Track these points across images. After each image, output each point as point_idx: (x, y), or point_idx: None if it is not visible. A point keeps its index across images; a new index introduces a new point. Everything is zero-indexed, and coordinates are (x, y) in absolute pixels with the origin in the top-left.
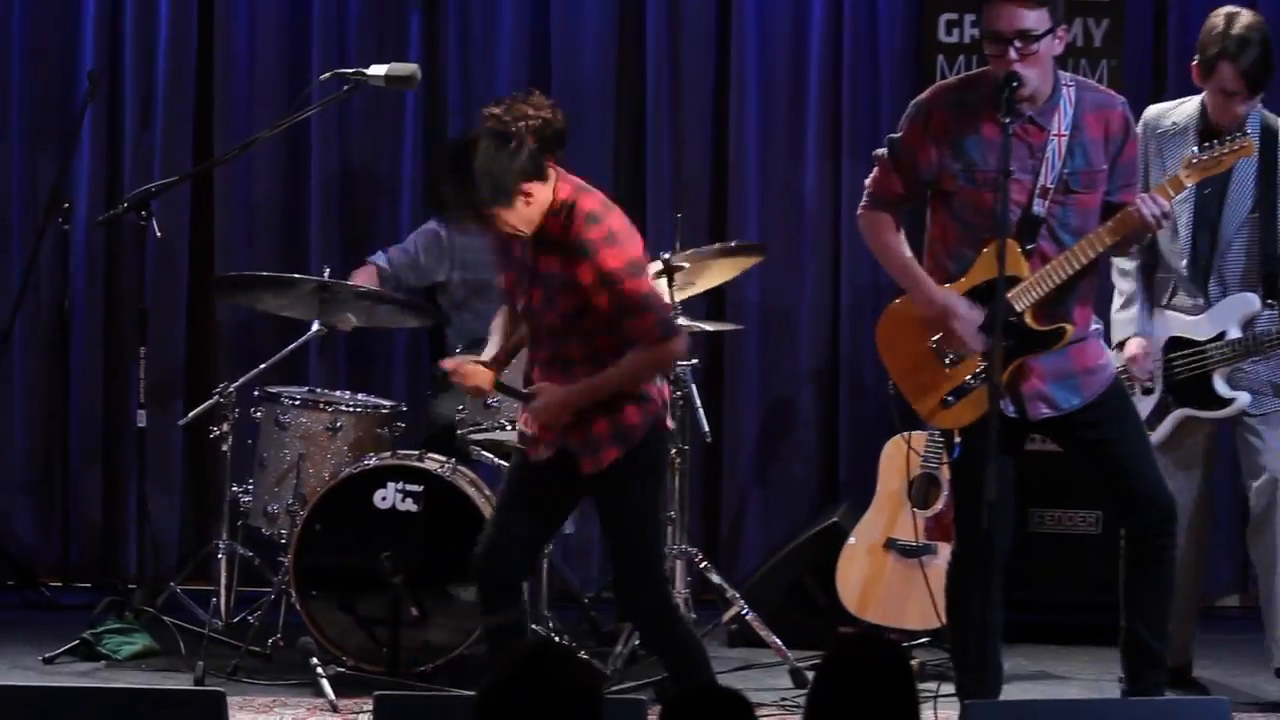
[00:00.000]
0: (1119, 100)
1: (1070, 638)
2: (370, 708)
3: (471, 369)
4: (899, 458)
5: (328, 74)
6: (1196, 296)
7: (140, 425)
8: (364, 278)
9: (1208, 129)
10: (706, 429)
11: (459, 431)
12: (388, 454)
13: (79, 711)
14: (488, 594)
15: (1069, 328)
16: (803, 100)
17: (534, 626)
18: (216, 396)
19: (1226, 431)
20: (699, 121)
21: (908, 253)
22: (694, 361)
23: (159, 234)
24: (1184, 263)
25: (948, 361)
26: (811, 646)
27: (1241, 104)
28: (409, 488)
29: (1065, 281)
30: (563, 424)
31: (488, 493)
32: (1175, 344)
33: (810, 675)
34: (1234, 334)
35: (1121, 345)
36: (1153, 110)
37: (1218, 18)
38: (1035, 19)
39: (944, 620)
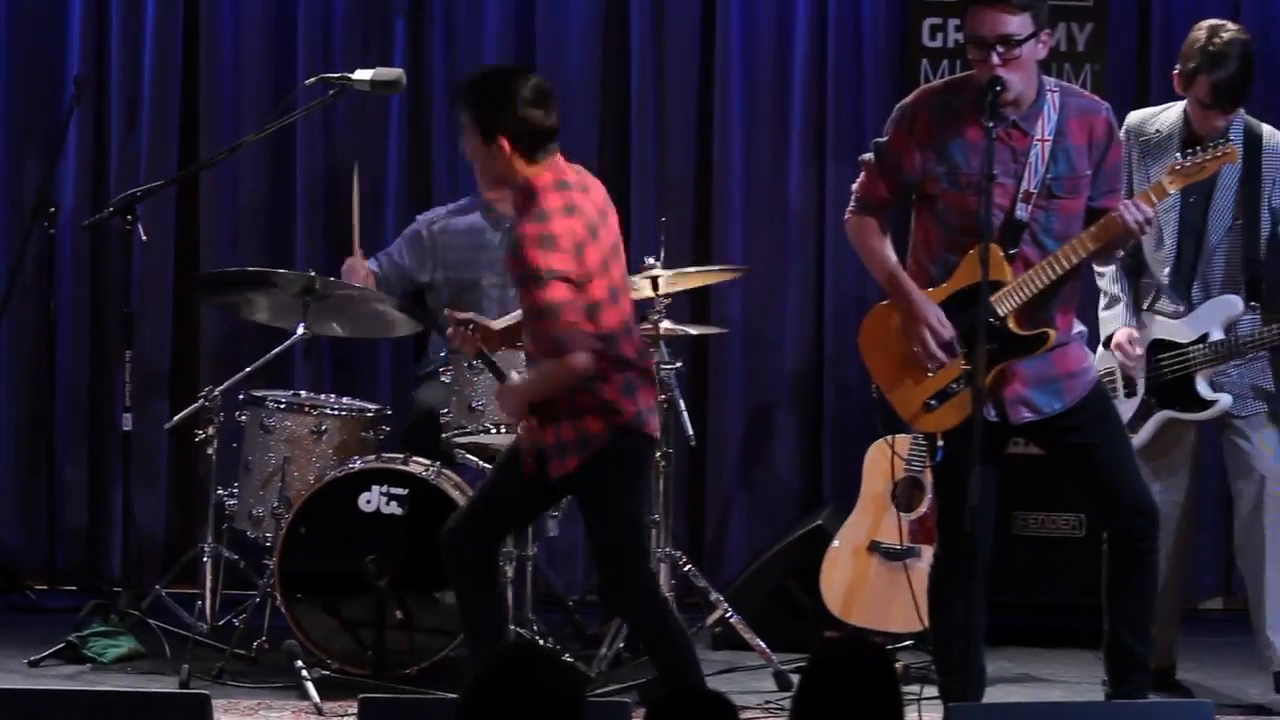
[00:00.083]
0: (1103, 106)
1: (1054, 641)
2: (355, 711)
3: (473, 332)
4: (883, 461)
5: (313, 79)
6: (1179, 303)
7: (126, 428)
8: (359, 277)
9: (1191, 136)
10: (691, 432)
11: (444, 435)
12: (372, 457)
13: (64, 714)
14: (448, 559)
15: (1052, 332)
16: (787, 103)
17: (518, 629)
18: (202, 400)
19: (1209, 434)
20: (683, 124)
21: (893, 257)
22: (678, 365)
23: (144, 238)
24: (1166, 270)
25: (931, 366)
26: (795, 649)
27: (1219, 117)
28: (394, 491)
29: (1048, 286)
30: (531, 423)
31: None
32: (1158, 346)
33: (794, 678)
34: (1216, 336)
35: (1109, 341)
36: (1136, 116)
37: (1200, 30)
38: (1018, 24)
39: (927, 623)
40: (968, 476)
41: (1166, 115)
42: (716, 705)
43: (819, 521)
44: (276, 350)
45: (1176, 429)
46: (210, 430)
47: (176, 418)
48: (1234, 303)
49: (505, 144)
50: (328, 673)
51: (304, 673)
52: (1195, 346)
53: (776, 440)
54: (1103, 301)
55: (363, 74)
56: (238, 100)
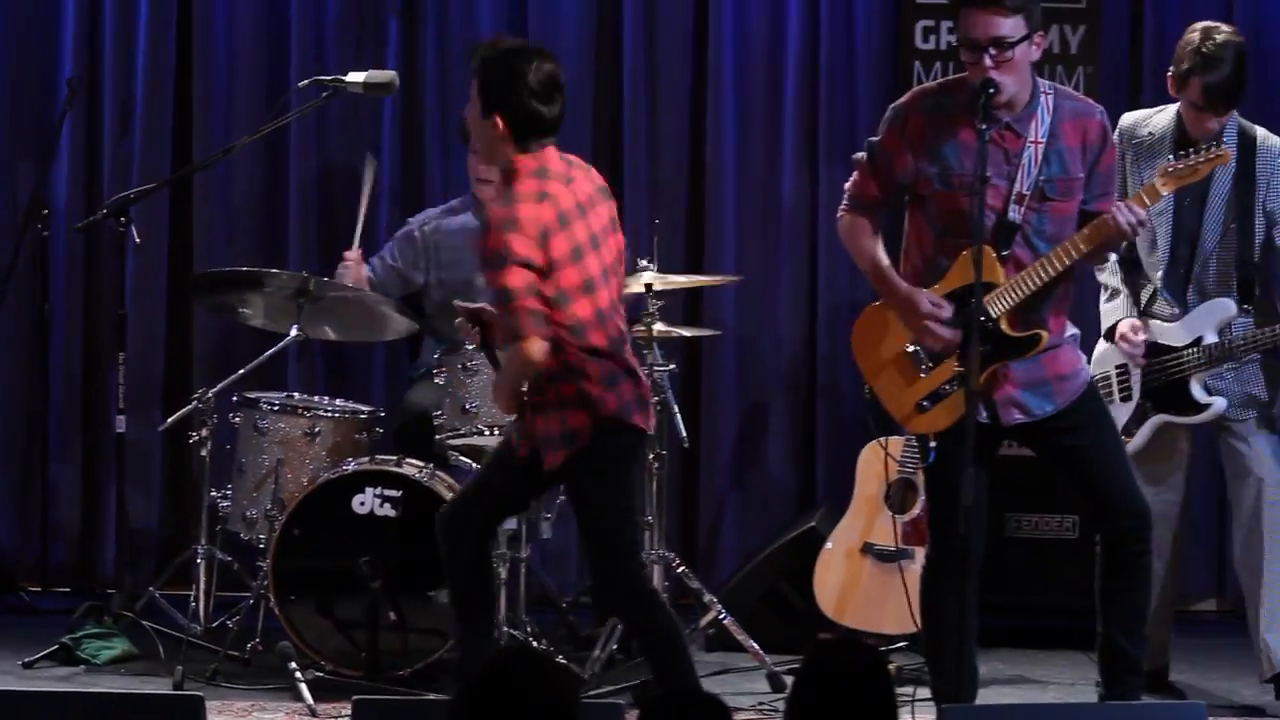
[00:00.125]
0: (1097, 109)
1: (1047, 642)
2: (349, 712)
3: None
4: (876, 463)
5: (306, 81)
6: (1174, 306)
7: (119, 430)
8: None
9: (1184, 138)
10: (684, 434)
11: (437, 437)
12: (366, 459)
13: (58, 716)
14: (442, 542)
15: (1044, 334)
16: (780, 105)
17: (511, 631)
18: (195, 402)
19: (1203, 437)
20: (676, 125)
21: (884, 257)
22: (671, 367)
23: (138, 240)
24: (1160, 274)
25: (924, 367)
26: (789, 651)
27: (1213, 120)
28: (387, 493)
29: (1040, 288)
30: (521, 415)
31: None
32: (1153, 350)
33: (788, 680)
34: (1210, 339)
35: (1111, 332)
36: (1129, 118)
37: (1194, 32)
38: (1011, 26)
39: (919, 625)
40: (959, 478)
41: (1160, 118)
42: (710, 707)
43: (812, 523)
44: (270, 352)
45: (1171, 432)
46: (204, 432)
47: (170, 420)
48: (1227, 305)
49: (500, 123)
50: (321, 674)
51: (297, 674)
52: (1189, 350)
53: (770, 442)
54: (1103, 295)
55: (356, 76)
56: (231, 102)
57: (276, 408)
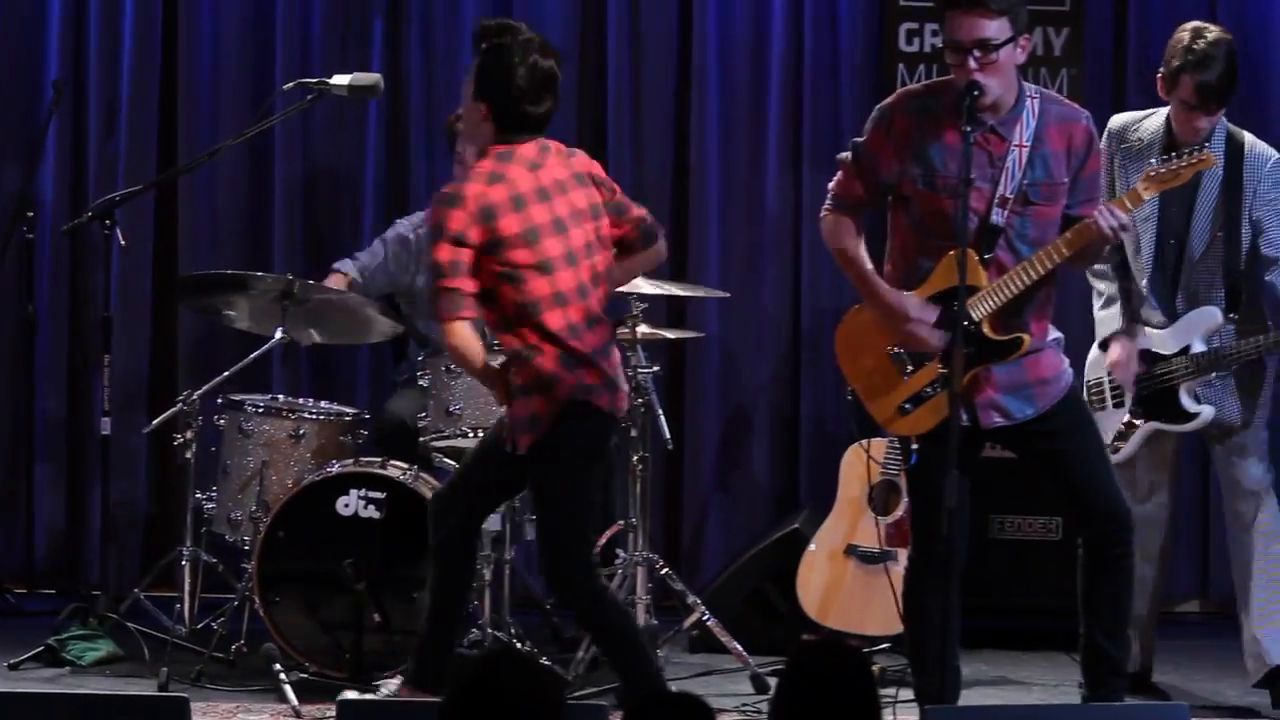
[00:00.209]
0: (1083, 114)
1: (1030, 643)
2: (333, 713)
3: None
4: (859, 465)
5: (291, 84)
6: (1162, 313)
7: (105, 432)
8: (334, 284)
9: (1172, 143)
10: (668, 436)
11: (421, 439)
12: (350, 461)
13: (43, 717)
14: (430, 525)
15: (1026, 338)
16: (763, 108)
17: (495, 633)
18: (180, 404)
19: (1189, 441)
20: (660, 126)
21: (866, 258)
22: (655, 369)
23: (123, 242)
24: (1146, 280)
25: (907, 370)
26: (773, 652)
27: (1204, 118)
28: (371, 494)
29: (1022, 292)
30: (502, 402)
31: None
32: (1143, 357)
33: (771, 681)
34: (1198, 348)
35: (1105, 345)
36: (1118, 120)
37: (1183, 32)
38: (995, 28)
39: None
40: (941, 479)
41: (1149, 122)
42: (693, 708)
43: (795, 525)
44: (255, 354)
45: (1161, 439)
46: (188, 434)
47: (155, 422)
48: (1214, 314)
49: (485, 110)
50: (306, 675)
51: (282, 675)
52: (1178, 358)
53: (753, 444)
54: (1097, 301)
55: (341, 79)
56: (216, 104)
57: (261, 410)
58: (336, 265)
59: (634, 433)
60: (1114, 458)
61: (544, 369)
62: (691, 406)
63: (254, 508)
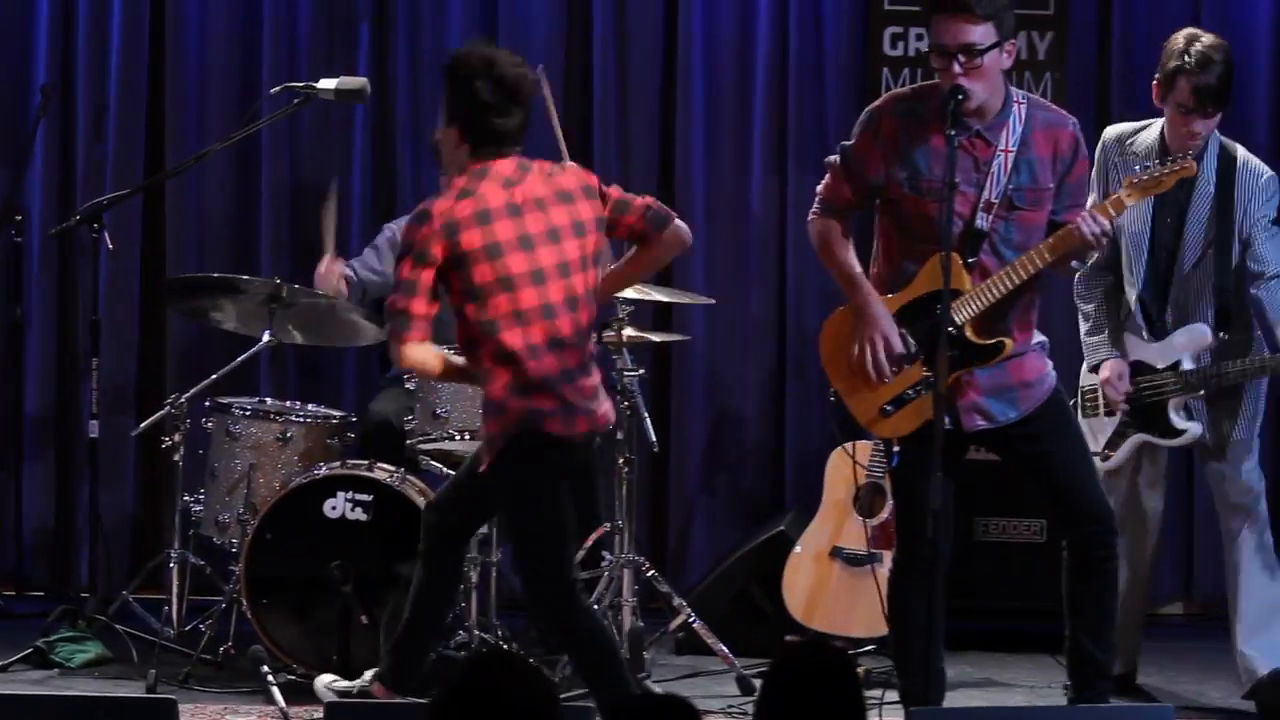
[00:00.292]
0: (1070, 121)
1: (1015, 645)
2: (320, 715)
3: None
4: (844, 467)
5: (278, 88)
6: (1152, 326)
7: (93, 435)
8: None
9: (1167, 156)
10: (654, 439)
11: (408, 441)
12: (337, 464)
13: (32, 719)
14: (422, 533)
15: (1009, 342)
16: (749, 109)
17: (482, 634)
18: (168, 407)
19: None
20: (645, 128)
21: (853, 261)
22: (641, 372)
23: (111, 246)
24: (1136, 294)
25: (890, 372)
26: (758, 654)
27: (1199, 121)
28: (359, 497)
29: (1006, 296)
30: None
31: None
32: (1134, 368)
33: (757, 683)
34: (1187, 365)
35: (1096, 369)
36: (1114, 131)
37: (1178, 37)
38: (981, 33)
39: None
40: (923, 482)
41: (1145, 135)
42: (679, 710)
43: (781, 527)
44: (242, 357)
45: (1151, 446)
46: (176, 437)
47: (143, 425)
48: (1203, 332)
49: (455, 134)
50: (294, 677)
51: (270, 677)
52: (1168, 373)
53: (739, 446)
54: (1084, 325)
55: (327, 83)
56: (203, 108)
57: (249, 413)
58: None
59: (620, 435)
60: (1105, 465)
61: (492, 395)
62: (677, 409)
63: (241, 510)
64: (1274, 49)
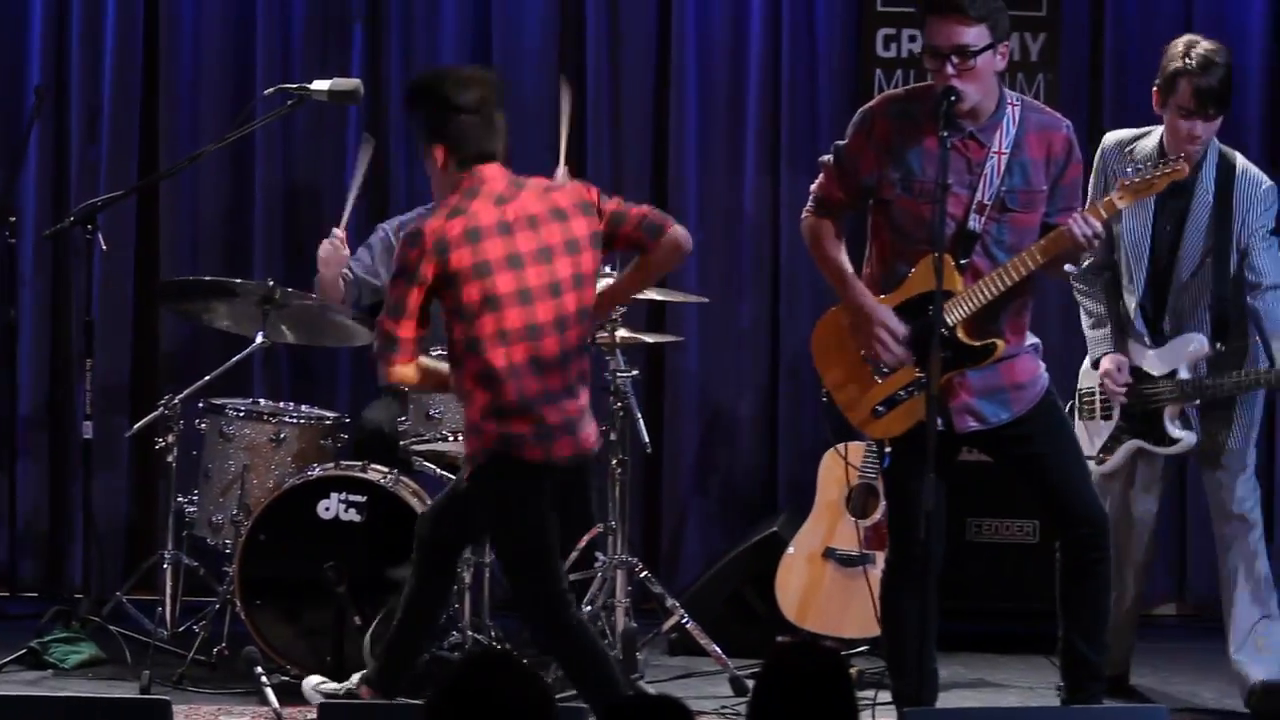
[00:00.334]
0: (1064, 123)
1: (1008, 646)
2: (314, 717)
3: None
4: (837, 468)
5: (272, 89)
6: (1150, 332)
7: (86, 436)
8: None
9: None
10: (647, 440)
11: (402, 443)
12: (331, 465)
13: None
14: (415, 543)
15: (1000, 344)
16: (742, 113)
17: (475, 635)
18: (162, 408)
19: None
20: (638, 131)
21: (846, 261)
22: (634, 373)
23: (104, 247)
24: (1135, 300)
25: (883, 373)
26: (751, 655)
27: (1200, 123)
28: (352, 498)
29: (999, 298)
30: None
31: (430, 503)
32: (1133, 374)
33: (750, 683)
34: (1184, 374)
35: (1097, 364)
36: (1113, 137)
37: (1178, 43)
38: (974, 35)
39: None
40: (915, 482)
41: (1144, 143)
42: (672, 710)
43: (774, 528)
44: (236, 359)
45: (1146, 453)
46: (170, 438)
47: (137, 426)
48: (1200, 342)
49: (440, 154)
50: (287, 678)
51: (263, 679)
52: (1164, 382)
53: (732, 447)
54: (1087, 321)
55: (321, 84)
56: (197, 110)
57: (242, 414)
58: None
59: (613, 436)
60: (1101, 468)
61: (470, 417)
62: (670, 410)
63: (235, 511)
64: (1266, 51)
